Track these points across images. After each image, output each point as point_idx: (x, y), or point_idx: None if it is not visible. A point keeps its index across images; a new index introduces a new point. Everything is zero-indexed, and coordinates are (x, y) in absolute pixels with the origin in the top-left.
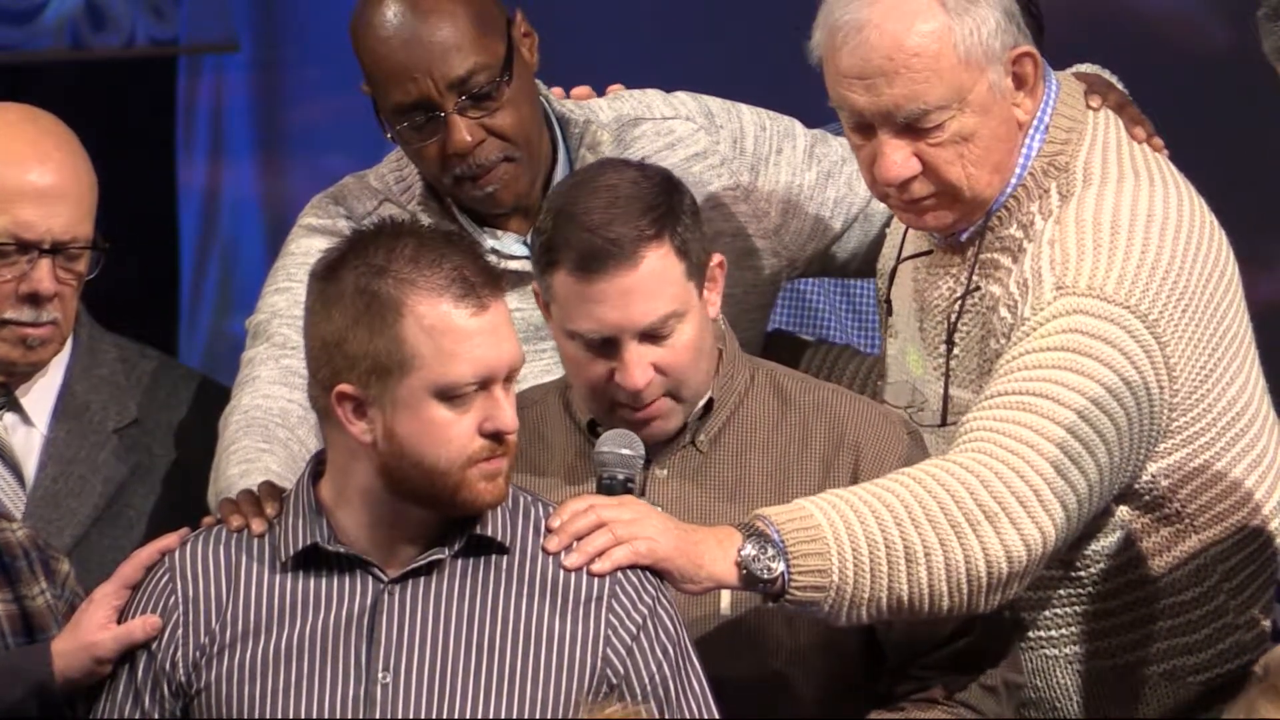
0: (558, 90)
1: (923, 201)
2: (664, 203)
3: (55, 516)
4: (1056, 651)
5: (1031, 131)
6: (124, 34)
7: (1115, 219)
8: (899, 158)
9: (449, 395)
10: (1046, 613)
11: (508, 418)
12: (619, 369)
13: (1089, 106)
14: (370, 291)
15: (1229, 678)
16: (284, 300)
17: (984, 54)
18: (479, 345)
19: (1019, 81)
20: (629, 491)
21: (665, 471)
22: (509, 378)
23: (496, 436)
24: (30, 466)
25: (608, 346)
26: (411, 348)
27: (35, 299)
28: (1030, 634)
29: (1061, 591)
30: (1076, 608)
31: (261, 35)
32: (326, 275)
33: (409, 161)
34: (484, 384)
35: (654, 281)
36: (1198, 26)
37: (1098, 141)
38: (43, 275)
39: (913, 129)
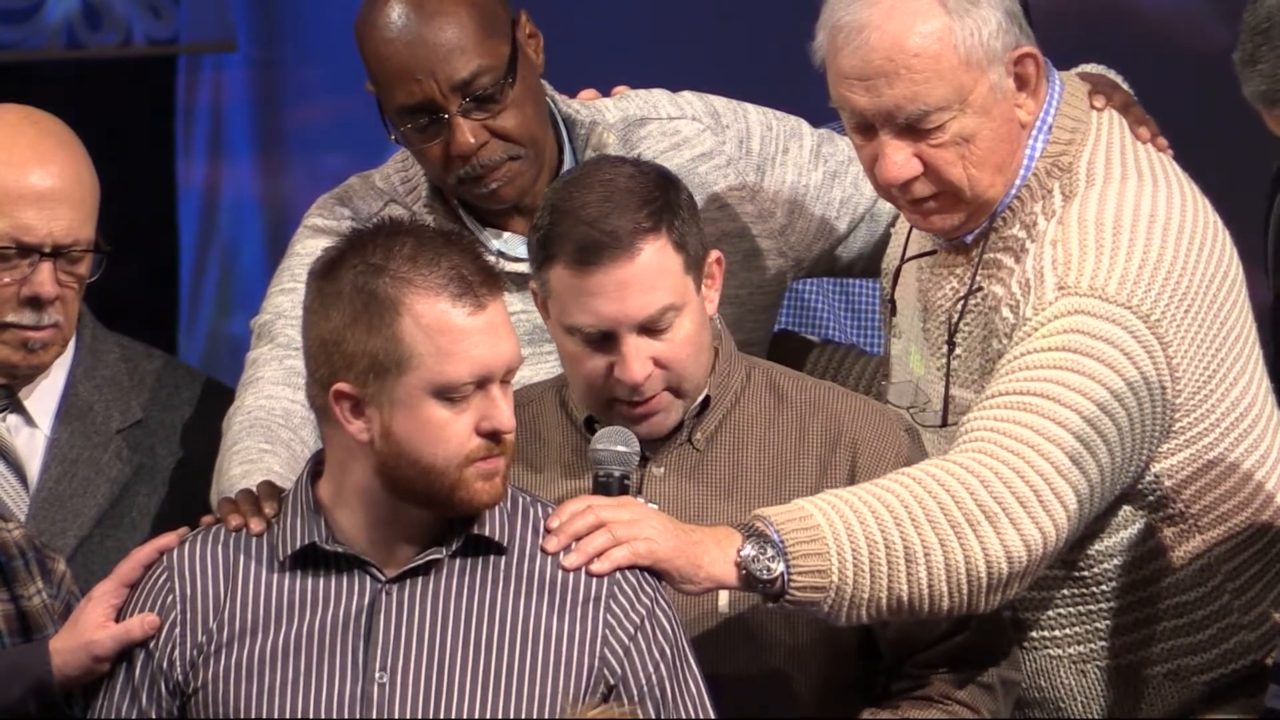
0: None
1: (926, 203)
2: (660, 196)
3: (59, 517)
4: (1060, 652)
5: (1035, 132)
6: (121, 33)
7: (1118, 219)
8: (900, 159)
9: (446, 394)
10: (1050, 613)
11: (505, 417)
12: (618, 363)
13: (1093, 107)
14: (368, 290)
15: (1233, 678)
16: (289, 301)
17: (985, 55)
18: (476, 344)
19: (1021, 82)
20: (625, 488)
21: (662, 469)
22: (506, 377)
23: (494, 436)
24: (34, 468)
25: (606, 341)
26: (409, 347)
27: (37, 302)
28: (1033, 634)
29: (1065, 592)
30: (1080, 608)
31: (260, 35)
32: (325, 274)
33: (414, 162)
34: (481, 383)
35: (651, 274)
36: (1198, 26)
37: (1101, 142)
38: (44, 279)
39: (914, 130)
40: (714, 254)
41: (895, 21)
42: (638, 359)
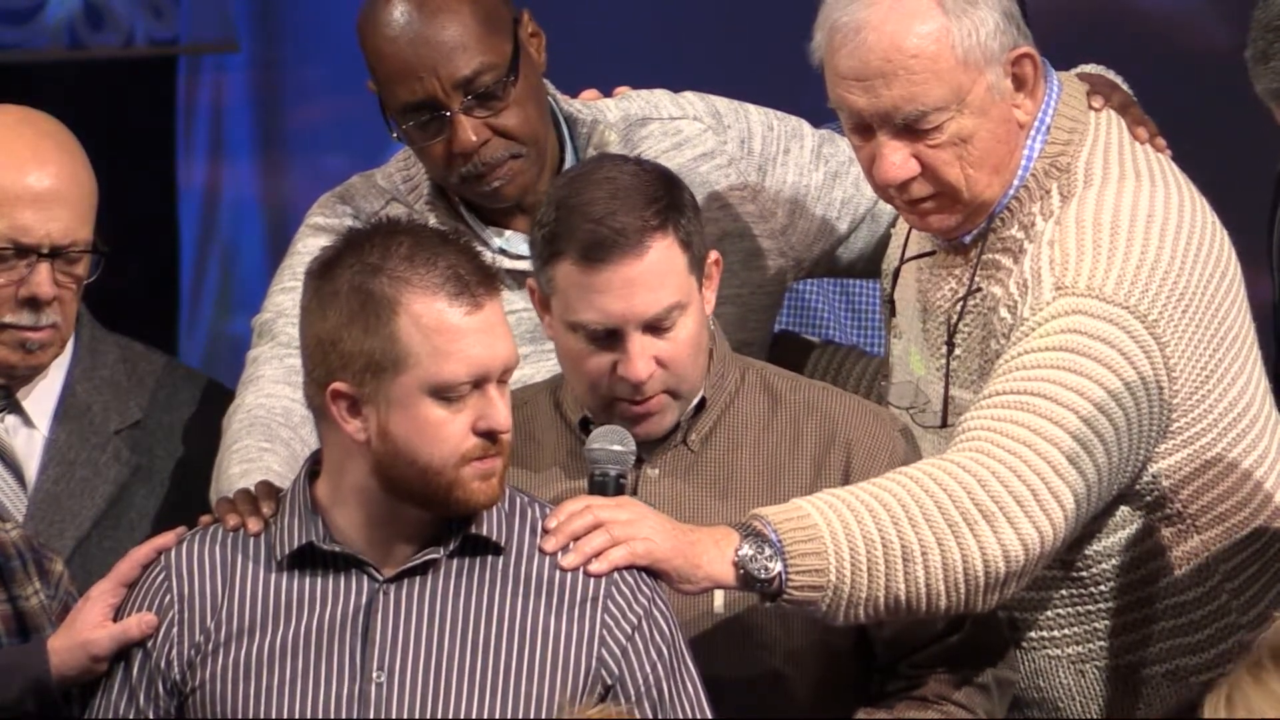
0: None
1: (924, 203)
2: (666, 195)
3: (57, 518)
4: (1058, 652)
5: (1033, 133)
6: (123, 34)
7: (1115, 219)
8: (898, 159)
9: (443, 394)
10: (1048, 613)
11: (501, 417)
12: (622, 361)
13: (1091, 107)
14: (365, 290)
15: None
16: (289, 300)
17: (983, 55)
18: (473, 344)
19: (1018, 83)
20: (621, 488)
21: (656, 470)
22: (503, 377)
23: (490, 436)
24: (32, 468)
25: (610, 338)
26: (406, 346)
27: (34, 303)
28: (1032, 634)
29: (1063, 592)
30: (1078, 608)
31: (261, 35)
32: (322, 273)
33: (416, 161)
34: (478, 383)
35: (658, 272)
36: (1198, 26)
37: (1099, 142)
38: (42, 279)
39: (911, 130)
40: (713, 255)
41: (893, 22)
42: (642, 357)
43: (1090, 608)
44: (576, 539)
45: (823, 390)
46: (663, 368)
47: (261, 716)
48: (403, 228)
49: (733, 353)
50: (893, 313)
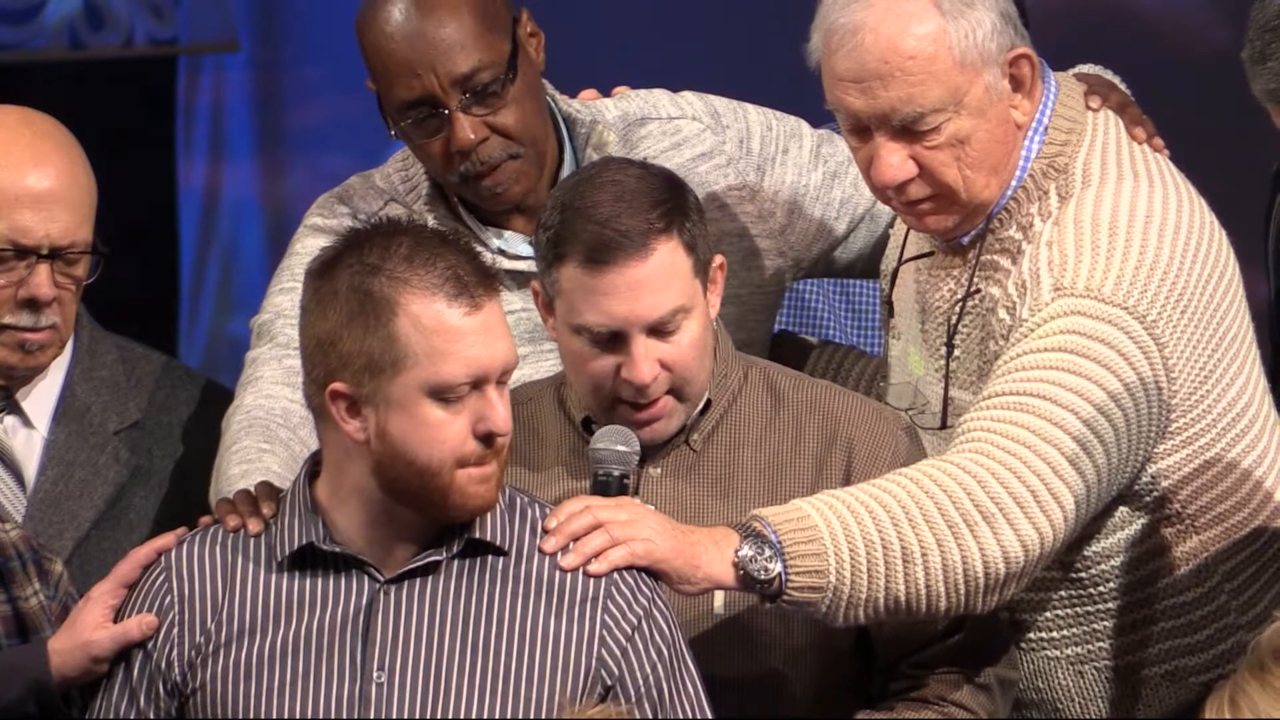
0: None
1: (921, 204)
2: (671, 198)
3: (56, 519)
4: (1057, 653)
5: (1030, 133)
6: (123, 34)
7: (1113, 220)
8: (895, 160)
9: (441, 394)
10: (1047, 614)
11: (500, 419)
12: (626, 364)
13: (1089, 107)
14: (364, 290)
15: None
16: (288, 300)
17: (980, 56)
18: (472, 345)
19: (1016, 83)
20: (624, 488)
21: (659, 470)
22: (502, 378)
23: (489, 438)
24: (31, 469)
25: (615, 341)
26: (404, 346)
27: (34, 304)
28: (1031, 635)
29: (1062, 593)
30: (1077, 609)
31: (261, 35)
32: (322, 273)
33: (415, 161)
34: (477, 383)
35: (663, 275)
36: (1197, 26)
37: (1097, 142)
38: (41, 280)
39: (909, 131)
40: (717, 259)
41: (890, 23)
42: (646, 360)
43: (1090, 608)
44: (576, 539)
45: (826, 389)
46: (667, 370)
47: (262, 717)
48: (402, 228)
49: (736, 351)
50: (891, 314)
